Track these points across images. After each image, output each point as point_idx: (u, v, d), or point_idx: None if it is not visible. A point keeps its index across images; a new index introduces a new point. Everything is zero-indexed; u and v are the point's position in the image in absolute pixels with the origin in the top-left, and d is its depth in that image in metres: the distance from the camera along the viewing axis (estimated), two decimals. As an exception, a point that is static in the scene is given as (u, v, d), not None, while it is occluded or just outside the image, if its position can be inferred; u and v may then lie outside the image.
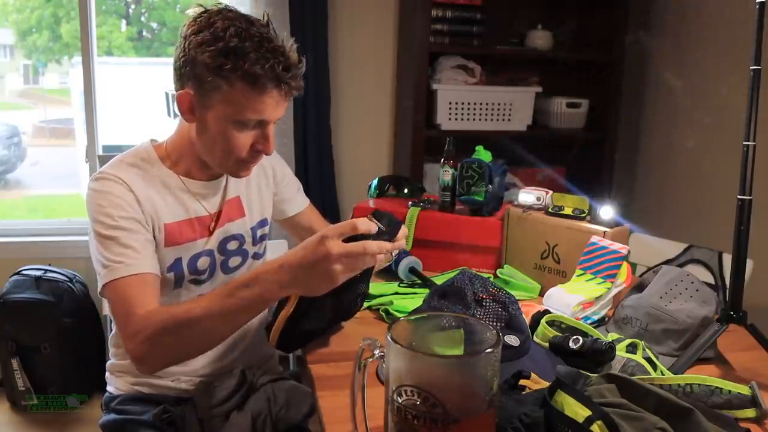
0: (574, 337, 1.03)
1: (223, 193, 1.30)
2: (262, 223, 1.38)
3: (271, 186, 1.42)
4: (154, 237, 1.19)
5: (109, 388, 1.36)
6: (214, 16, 1.11)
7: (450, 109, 2.54)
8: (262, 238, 1.39)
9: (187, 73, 1.13)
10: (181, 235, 1.22)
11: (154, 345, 1.03)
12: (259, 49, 1.08)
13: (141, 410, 1.27)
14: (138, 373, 1.30)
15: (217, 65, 1.08)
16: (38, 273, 2.43)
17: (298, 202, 1.52)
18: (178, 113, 1.18)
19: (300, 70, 1.14)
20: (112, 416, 1.31)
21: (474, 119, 2.57)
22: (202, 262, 1.26)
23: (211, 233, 1.27)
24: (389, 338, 0.68)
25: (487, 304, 1.11)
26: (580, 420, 0.72)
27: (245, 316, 1.02)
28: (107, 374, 1.37)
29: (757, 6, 1.04)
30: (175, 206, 1.23)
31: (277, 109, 1.15)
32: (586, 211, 1.42)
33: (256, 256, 1.37)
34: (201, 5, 1.15)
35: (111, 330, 1.33)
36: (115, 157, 1.24)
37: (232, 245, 1.31)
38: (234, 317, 1.01)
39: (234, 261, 1.32)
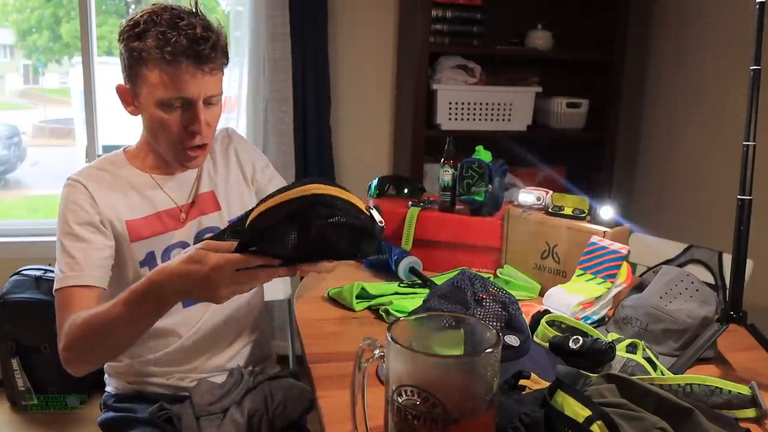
0: (574, 337, 1.03)
1: (196, 187, 1.34)
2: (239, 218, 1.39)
3: (250, 182, 1.43)
4: (117, 236, 1.24)
5: (108, 388, 1.38)
6: (144, 9, 1.19)
7: (450, 109, 2.54)
8: None
9: (121, 65, 1.21)
10: (146, 229, 1.26)
11: (74, 350, 1.11)
12: (168, 27, 1.13)
13: (138, 408, 1.28)
14: (135, 373, 1.32)
15: (132, 50, 1.15)
16: (38, 273, 2.43)
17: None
18: (123, 108, 1.26)
19: (211, 41, 1.15)
20: (110, 414, 1.32)
21: (474, 119, 2.58)
22: (176, 254, 1.26)
23: (181, 224, 1.30)
24: (389, 338, 0.68)
25: (487, 304, 1.11)
26: (580, 420, 0.72)
27: (149, 320, 1.06)
28: (105, 375, 1.38)
29: (757, 6, 1.04)
30: (140, 202, 1.27)
31: (198, 86, 1.16)
32: (586, 211, 1.42)
33: None
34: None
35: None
36: (89, 164, 1.31)
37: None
38: (138, 323, 1.06)
39: None
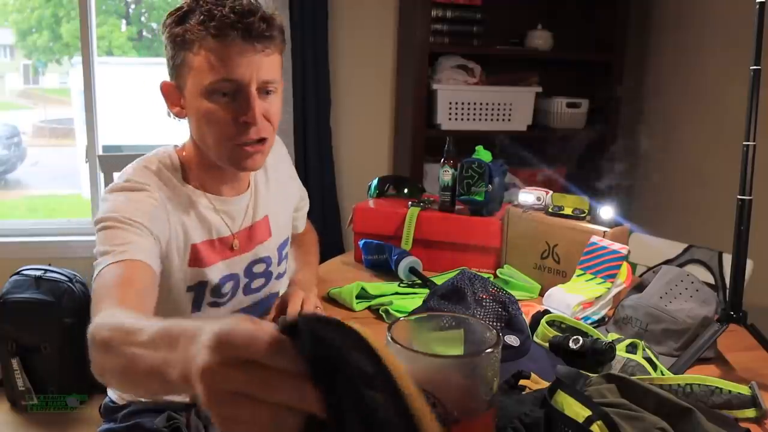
0: (574, 337, 1.03)
1: (253, 213, 1.21)
2: (286, 242, 1.33)
3: (293, 205, 1.38)
4: (175, 256, 1.09)
5: (110, 394, 1.30)
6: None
7: (450, 109, 2.54)
8: (285, 256, 1.32)
9: (167, 62, 1.08)
10: (206, 256, 1.13)
11: (92, 356, 0.78)
12: (213, 4, 1.02)
13: (145, 418, 1.22)
14: None
15: (175, 36, 1.03)
16: (38, 273, 2.43)
17: (301, 223, 1.49)
18: (169, 110, 1.12)
19: (261, 14, 1.02)
20: (112, 426, 1.26)
21: (474, 119, 2.57)
22: (226, 286, 1.19)
23: (233, 254, 1.19)
24: (389, 338, 0.68)
25: (487, 304, 1.11)
26: (580, 420, 0.72)
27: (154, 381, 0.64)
28: None
29: (757, 6, 1.04)
30: (198, 225, 1.13)
31: (249, 65, 1.02)
32: (586, 211, 1.42)
33: (279, 275, 1.31)
34: None
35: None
36: (140, 164, 1.12)
37: (259, 268, 1.24)
38: (140, 378, 0.66)
39: (257, 282, 1.26)
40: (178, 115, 1.11)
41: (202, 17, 1.00)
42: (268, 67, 1.05)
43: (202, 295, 1.16)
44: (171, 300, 1.13)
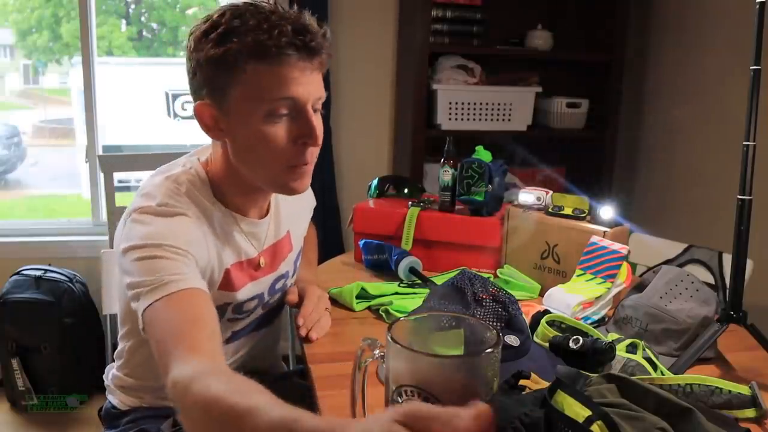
0: (574, 337, 1.03)
1: (275, 229, 1.18)
2: (300, 251, 1.32)
3: (310, 215, 1.36)
4: (209, 281, 1.04)
5: (112, 400, 1.25)
6: (214, 13, 0.98)
7: (450, 109, 2.54)
8: (297, 267, 1.31)
9: (198, 81, 0.98)
10: (237, 280, 1.10)
11: (182, 415, 0.78)
12: (265, 19, 0.94)
13: (148, 424, 1.19)
14: (145, 390, 1.21)
15: (221, 53, 0.93)
16: (38, 273, 2.43)
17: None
18: (204, 133, 1.04)
19: (319, 34, 0.96)
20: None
21: (474, 119, 2.57)
22: (249, 304, 1.17)
23: (259, 274, 1.16)
24: (389, 338, 0.68)
25: (487, 304, 1.11)
26: (580, 420, 0.72)
27: None
28: (110, 385, 1.26)
29: (757, 6, 1.04)
30: (231, 247, 1.09)
31: (306, 84, 0.97)
32: (586, 211, 1.42)
33: (289, 286, 1.30)
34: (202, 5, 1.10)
35: (111, 332, 1.30)
36: (167, 181, 1.04)
37: (280, 283, 1.24)
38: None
39: (275, 297, 1.26)
40: (216, 138, 1.04)
41: (255, 35, 0.93)
42: (319, 83, 1.01)
43: (223, 313, 1.12)
44: None
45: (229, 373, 0.79)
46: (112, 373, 1.26)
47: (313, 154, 1.03)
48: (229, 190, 1.08)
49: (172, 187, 1.04)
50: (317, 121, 1.01)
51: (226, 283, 1.09)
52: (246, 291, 1.13)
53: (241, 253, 1.11)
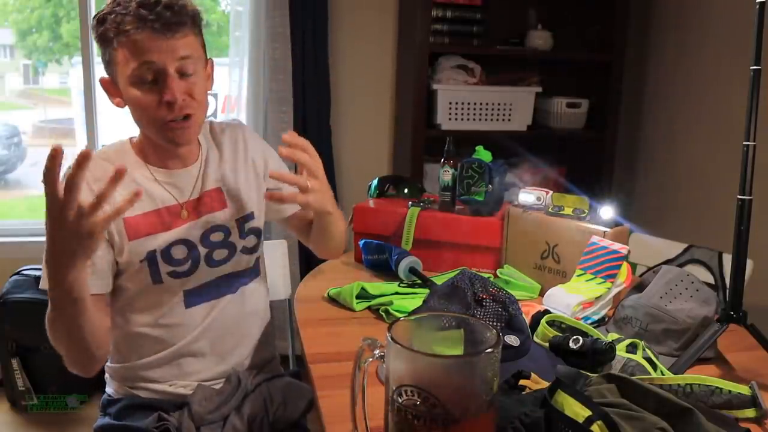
0: (574, 337, 1.03)
1: (201, 184, 1.28)
2: (248, 216, 1.32)
3: (261, 181, 1.36)
4: (115, 234, 1.18)
5: (107, 389, 1.34)
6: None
7: (450, 109, 2.54)
8: (251, 231, 1.33)
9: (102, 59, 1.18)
10: (145, 227, 1.21)
11: (50, 336, 1.09)
12: (123, 2, 1.11)
13: (135, 416, 1.25)
14: (131, 377, 1.29)
15: (99, 34, 1.13)
16: (38, 273, 2.43)
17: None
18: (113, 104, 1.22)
19: (165, 5, 1.11)
20: (107, 421, 1.28)
21: (474, 119, 2.58)
22: (177, 252, 1.23)
23: (182, 222, 1.25)
24: (389, 338, 0.68)
25: (487, 304, 1.11)
26: (580, 420, 0.72)
27: (68, 311, 1.02)
28: (105, 375, 1.35)
29: (757, 6, 1.04)
30: (145, 197, 1.22)
31: (162, 49, 1.11)
32: (586, 211, 1.42)
33: (246, 250, 1.32)
34: None
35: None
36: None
37: (216, 236, 1.28)
38: (60, 318, 1.04)
39: (219, 254, 1.28)
40: (119, 106, 1.21)
41: (115, 15, 1.11)
42: (182, 47, 1.13)
43: (156, 263, 1.21)
44: (133, 276, 1.21)
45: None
46: (107, 364, 1.33)
47: (182, 110, 1.16)
48: (146, 148, 1.26)
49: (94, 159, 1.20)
50: (185, 83, 1.15)
51: (134, 231, 1.20)
52: (163, 237, 1.22)
53: (157, 201, 1.23)
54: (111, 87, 1.20)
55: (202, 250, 1.26)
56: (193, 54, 1.16)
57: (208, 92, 1.25)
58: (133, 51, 1.11)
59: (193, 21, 1.16)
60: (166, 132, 1.18)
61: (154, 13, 1.10)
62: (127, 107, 1.20)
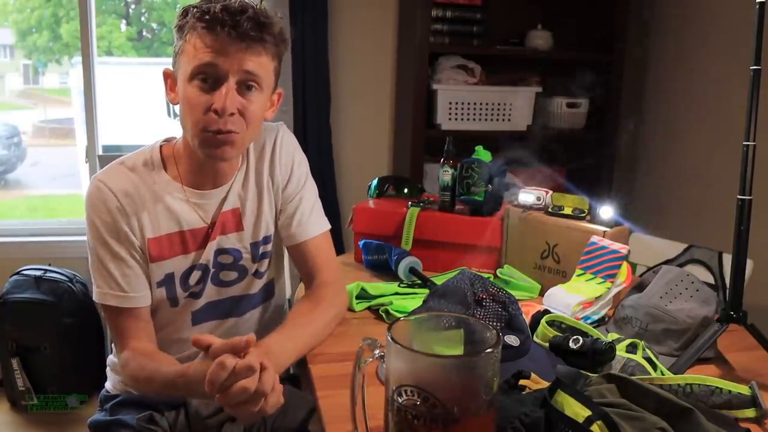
0: (574, 337, 1.03)
1: (221, 203, 1.22)
2: (266, 240, 1.28)
3: (277, 199, 1.28)
4: (141, 250, 1.17)
5: (107, 384, 1.34)
6: None
7: (450, 109, 2.54)
8: (264, 255, 1.28)
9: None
10: (167, 250, 1.18)
11: (129, 380, 1.18)
12: (213, 1, 1.09)
13: (130, 413, 1.24)
14: None
15: (177, 25, 1.12)
16: (38, 273, 2.43)
17: (310, 227, 1.29)
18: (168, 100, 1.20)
19: (250, 15, 1.08)
20: (101, 417, 1.29)
21: (474, 119, 2.57)
22: (193, 277, 1.21)
23: (204, 244, 1.21)
24: (389, 338, 0.68)
25: (487, 304, 1.11)
26: (580, 420, 0.72)
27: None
28: (107, 369, 1.34)
29: (757, 6, 1.04)
30: (166, 218, 1.18)
31: (230, 57, 1.07)
32: (586, 211, 1.42)
33: (258, 274, 1.29)
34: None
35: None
36: (118, 158, 1.21)
37: (225, 259, 1.24)
38: (166, 391, 1.10)
39: (227, 275, 1.26)
40: (172, 102, 1.17)
41: (198, 10, 1.09)
42: (252, 64, 1.09)
43: (173, 287, 1.20)
44: (154, 300, 1.20)
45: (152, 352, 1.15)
46: (109, 357, 1.33)
47: (226, 124, 1.09)
48: (183, 161, 1.20)
49: (116, 165, 1.19)
50: (243, 99, 1.10)
51: (157, 254, 1.17)
52: (184, 260, 1.20)
53: (183, 223, 1.19)
54: (170, 79, 1.17)
55: (212, 271, 1.24)
56: (261, 74, 1.11)
57: (265, 121, 1.21)
58: (201, 48, 1.08)
59: (273, 43, 1.12)
60: (204, 140, 1.11)
61: (236, 20, 1.07)
62: (177, 106, 1.17)
